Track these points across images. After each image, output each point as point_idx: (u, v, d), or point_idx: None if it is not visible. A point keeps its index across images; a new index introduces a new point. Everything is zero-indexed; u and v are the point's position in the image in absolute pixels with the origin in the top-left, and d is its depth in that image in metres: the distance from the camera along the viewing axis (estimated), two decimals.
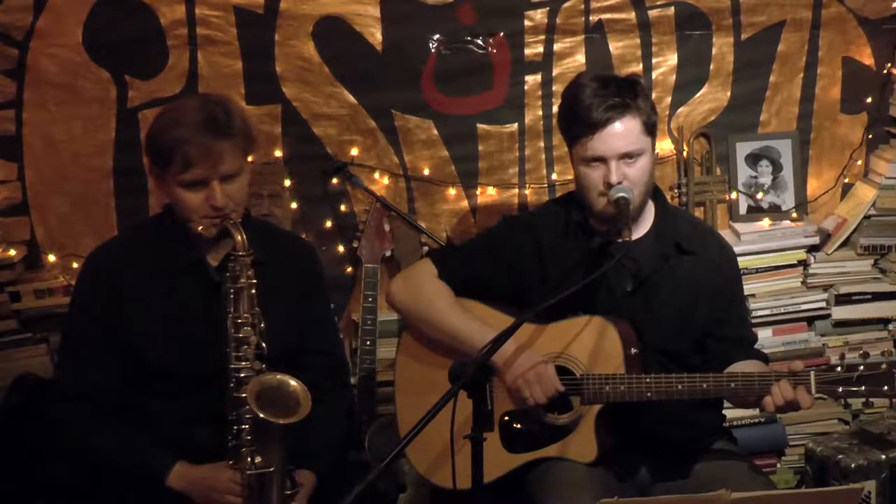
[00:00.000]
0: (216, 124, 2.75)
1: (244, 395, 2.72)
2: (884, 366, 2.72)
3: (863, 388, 2.73)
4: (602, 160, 2.89)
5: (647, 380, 2.84)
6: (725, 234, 4.01)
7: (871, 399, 2.75)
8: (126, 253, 2.92)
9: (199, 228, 2.79)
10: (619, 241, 2.85)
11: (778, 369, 2.85)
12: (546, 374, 2.88)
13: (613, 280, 2.96)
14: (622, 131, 2.88)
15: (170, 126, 2.77)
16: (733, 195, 4.09)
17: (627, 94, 2.89)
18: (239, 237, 2.76)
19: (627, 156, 2.89)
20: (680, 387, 2.83)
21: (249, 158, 2.90)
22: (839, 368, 2.75)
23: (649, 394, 2.84)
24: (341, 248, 3.96)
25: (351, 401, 3.38)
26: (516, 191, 4.02)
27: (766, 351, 3.83)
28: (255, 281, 2.78)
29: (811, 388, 2.74)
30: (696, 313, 2.99)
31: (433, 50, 3.89)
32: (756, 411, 3.96)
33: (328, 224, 3.96)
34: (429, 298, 3.03)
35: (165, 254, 2.88)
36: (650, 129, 2.93)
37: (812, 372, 2.75)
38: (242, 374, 2.75)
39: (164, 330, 2.84)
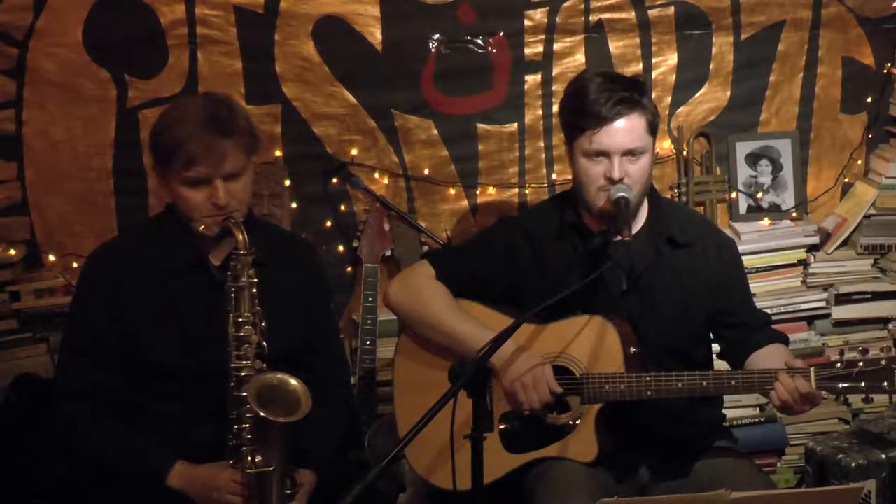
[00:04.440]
0: (220, 123, 2.76)
1: (245, 393, 2.72)
2: (883, 361, 2.73)
3: (862, 383, 2.73)
4: (606, 155, 2.89)
5: (647, 378, 2.84)
6: None
7: (870, 395, 2.76)
8: (127, 252, 2.92)
9: (201, 228, 2.79)
10: (618, 240, 2.86)
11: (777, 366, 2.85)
12: (542, 377, 2.87)
13: (609, 279, 2.96)
14: (628, 127, 2.88)
15: (173, 124, 2.77)
16: (733, 195, 4.09)
17: (635, 91, 2.90)
18: (240, 236, 2.75)
19: (631, 153, 2.89)
20: (680, 385, 2.83)
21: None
22: (839, 365, 2.76)
23: (649, 392, 2.84)
24: (341, 248, 3.96)
25: (351, 401, 3.38)
26: (516, 190, 4.02)
27: None
28: (256, 280, 2.78)
29: (811, 383, 2.75)
30: (694, 307, 2.99)
31: (433, 50, 3.90)
32: (756, 410, 3.98)
33: (328, 224, 3.96)
34: (427, 300, 3.03)
35: (167, 253, 2.87)
36: (653, 129, 2.94)
37: (812, 368, 2.76)
38: (243, 373, 2.75)
39: (166, 329, 2.83)
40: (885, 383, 2.72)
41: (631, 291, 2.97)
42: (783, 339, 3.04)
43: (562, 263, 2.99)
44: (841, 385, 2.75)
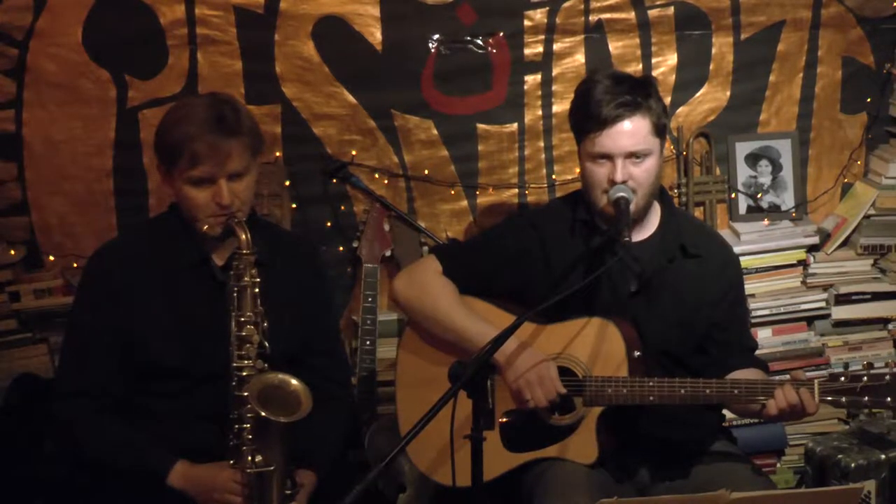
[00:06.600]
0: (225, 122, 2.77)
1: (246, 393, 2.72)
2: (887, 377, 2.72)
3: (866, 398, 2.73)
4: (608, 157, 2.89)
5: (650, 383, 2.84)
6: (725, 234, 4.02)
7: (873, 410, 2.75)
8: (130, 252, 2.92)
9: (205, 227, 2.80)
10: (620, 241, 2.85)
11: (781, 378, 2.85)
12: (548, 375, 2.88)
13: (617, 280, 2.96)
14: (631, 130, 2.87)
15: (178, 123, 2.78)
16: (733, 195, 4.09)
17: (640, 92, 2.89)
18: (243, 236, 2.76)
19: (634, 155, 2.89)
20: (683, 391, 2.82)
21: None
22: (843, 378, 2.75)
23: (651, 397, 2.84)
24: (341, 248, 3.96)
25: (351, 401, 3.39)
26: (516, 191, 4.02)
27: (765, 351, 3.87)
28: (258, 280, 2.79)
29: (815, 395, 2.74)
30: (698, 316, 2.99)
31: (433, 50, 3.89)
32: None
33: (328, 224, 3.95)
34: (433, 295, 3.03)
35: (170, 252, 2.88)
36: (660, 131, 2.93)
37: (816, 381, 2.75)
38: (244, 373, 2.76)
39: (167, 328, 2.84)
40: (889, 398, 2.71)
41: (639, 294, 2.97)
42: (764, 368, 3.05)
43: (569, 261, 2.99)
44: (844, 399, 2.74)
